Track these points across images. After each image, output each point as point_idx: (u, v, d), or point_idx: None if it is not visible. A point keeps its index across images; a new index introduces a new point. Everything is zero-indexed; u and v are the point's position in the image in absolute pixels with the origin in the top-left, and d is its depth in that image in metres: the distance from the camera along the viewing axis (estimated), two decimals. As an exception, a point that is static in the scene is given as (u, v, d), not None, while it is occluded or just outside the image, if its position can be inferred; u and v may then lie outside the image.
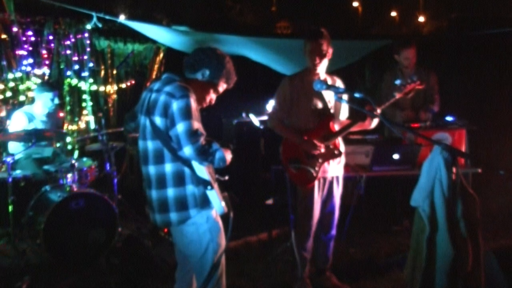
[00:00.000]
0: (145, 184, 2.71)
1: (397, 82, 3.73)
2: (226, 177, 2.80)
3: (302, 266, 3.66)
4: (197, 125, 2.50)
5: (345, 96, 3.20)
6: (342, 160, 3.68)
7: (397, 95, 3.69)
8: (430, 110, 4.88)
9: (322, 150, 3.48)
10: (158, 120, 2.54)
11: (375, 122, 3.56)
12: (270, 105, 5.30)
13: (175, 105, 2.49)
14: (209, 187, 2.54)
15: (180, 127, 2.47)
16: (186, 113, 2.48)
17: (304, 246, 3.65)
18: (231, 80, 2.79)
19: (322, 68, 3.55)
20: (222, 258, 2.72)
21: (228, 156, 2.64)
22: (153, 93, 2.63)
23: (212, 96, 2.80)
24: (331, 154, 3.54)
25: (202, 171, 2.55)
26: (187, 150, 2.46)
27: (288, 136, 3.60)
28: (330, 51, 3.54)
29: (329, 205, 3.68)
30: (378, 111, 3.41)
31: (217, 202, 2.57)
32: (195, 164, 2.54)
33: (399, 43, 4.97)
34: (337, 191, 3.69)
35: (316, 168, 3.49)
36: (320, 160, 3.50)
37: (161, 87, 2.60)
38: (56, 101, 4.98)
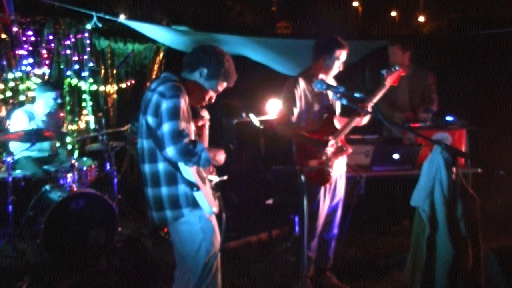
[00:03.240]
0: (143, 182, 2.73)
1: (383, 72, 3.70)
2: (225, 177, 2.80)
3: (307, 265, 3.66)
4: (184, 125, 2.48)
5: (344, 96, 3.21)
6: (344, 157, 3.70)
7: (388, 84, 3.65)
8: (430, 110, 4.88)
9: (334, 147, 3.50)
10: (151, 120, 2.56)
11: (366, 118, 3.62)
12: (271, 105, 5.29)
13: (164, 105, 2.49)
14: (194, 189, 2.53)
15: (166, 127, 2.46)
16: (173, 114, 2.47)
17: (309, 246, 3.65)
18: (231, 78, 2.77)
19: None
20: (217, 257, 2.72)
21: (221, 156, 2.65)
22: (149, 92, 2.64)
23: (211, 95, 2.79)
24: (340, 150, 3.56)
25: (188, 172, 2.53)
26: (170, 151, 2.44)
27: (300, 140, 3.56)
28: None
29: (332, 204, 3.69)
30: (370, 104, 3.44)
31: (205, 204, 2.56)
32: (181, 165, 2.53)
33: (388, 42, 5.02)
34: (341, 189, 3.71)
35: (331, 167, 3.51)
36: (332, 158, 3.52)
37: (157, 86, 2.62)
38: (58, 101, 4.98)
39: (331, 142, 3.46)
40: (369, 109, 3.44)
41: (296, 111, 3.56)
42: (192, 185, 2.53)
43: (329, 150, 3.49)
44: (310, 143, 3.51)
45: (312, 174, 3.52)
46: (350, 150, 3.62)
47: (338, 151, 3.56)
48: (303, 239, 3.63)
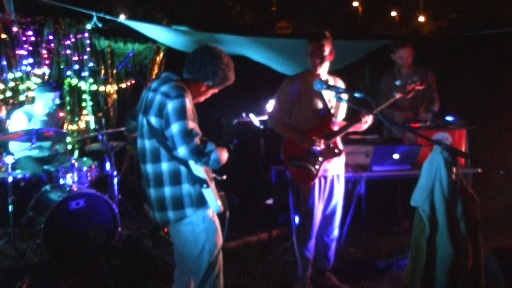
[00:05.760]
0: (144, 182, 2.73)
1: (397, 82, 3.75)
2: (224, 177, 2.80)
3: (304, 266, 3.66)
4: (192, 125, 2.50)
5: (345, 96, 3.21)
6: (342, 158, 3.69)
7: (397, 95, 3.70)
8: (430, 110, 4.88)
9: (322, 146, 3.49)
10: (154, 120, 2.56)
11: (366, 125, 3.60)
12: (270, 105, 5.30)
13: (170, 105, 2.50)
14: (205, 185, 2.55)
15: (175, 128, 2.47)
16: (181, 113, 2.48)
17: (306, 246, 3.65)
18: (230, 79, 2.79)
19: (323, 69, 3.56)
20: (219, 258, 2.72)
21: (224, 155, 2.65)
22: (150, 92, 2.64)
23: (210, 95, 2.83)
24: (332, 152, 3.55)
25: (199, 169, 2.55)
26: (182, 150, 2.46)
27: (288, 135, 3.61)
28: (332, 53, 3.55)
29: (331, 206, 3.68)
30: (374, 111, 3.43)
31: (213, 201, 2.57)
32: (191, 162, 2.55)
33: (395, 43, 4.99)
34: (339, 190, 3.69)
35: (317, 166, 3.50)
36: (320, 159, 3.51)
37: (158, 86, 2.62)
38: (57, 101, 4.98)
39: (316, 141, 3.47)
40: (371, 115, 3.45)
41: (286, 108, 3.60)
42: (202, 182, 2.55)
43: (317, 148, 3.49)
44: (297, 138, 3.53)
45: (297, 171, 3.53)
46: (343, 153, 3.62)
47: (330, 153, 3.55)
48: (297, 238, 3.66)
